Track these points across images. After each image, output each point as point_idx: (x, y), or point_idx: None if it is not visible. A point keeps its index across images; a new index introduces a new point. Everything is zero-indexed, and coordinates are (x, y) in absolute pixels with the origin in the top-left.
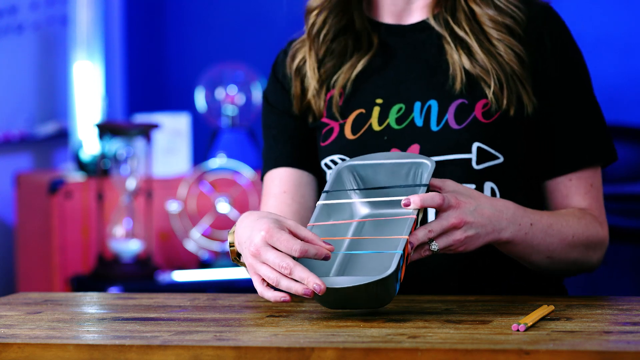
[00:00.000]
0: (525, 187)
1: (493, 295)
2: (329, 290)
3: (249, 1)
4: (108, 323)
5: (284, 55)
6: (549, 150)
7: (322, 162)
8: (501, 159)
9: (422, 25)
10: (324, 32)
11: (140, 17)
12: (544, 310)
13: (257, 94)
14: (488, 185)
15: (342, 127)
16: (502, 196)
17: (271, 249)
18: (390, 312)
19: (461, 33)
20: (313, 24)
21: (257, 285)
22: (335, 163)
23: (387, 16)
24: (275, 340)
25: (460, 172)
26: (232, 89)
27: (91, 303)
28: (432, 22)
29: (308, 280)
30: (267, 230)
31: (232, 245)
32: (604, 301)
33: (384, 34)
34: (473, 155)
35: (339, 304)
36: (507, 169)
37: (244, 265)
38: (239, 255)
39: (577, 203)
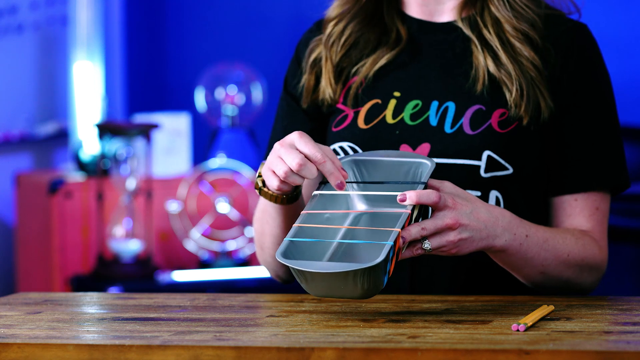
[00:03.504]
0: (531, 200)
1: (493, 295)
2: (317, 275)
3: (249, 1)
4: (108, 323)
5: (309, 34)
6: (560, 166)
7: (331, 147)
8: (510, 171)
9: (452, 25)
10: (342, 39)
11: (140, 17)
12: (544, 310)
13: (257, 94)
14: (493, 194)
15: (356, 115)
16: (506, 206)
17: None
18: (390, 312)
19: (488, 36)
20: (330, 35)
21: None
22: (344, 150)
23: (419, 13)
24: (275, 340)
25: (467, 178)
26: (232, 89)
27: (91, 303)
28: (461, 24)
29: (338, 170)
30: (300, 133)
31: (260, 175)
32: (604, 301)
33: (415, 28)
34: (482, 163)
35: (325, 291)
36: (515, 181)
37: (265, 196)
38: (264, 184)
39: (580, 224)
